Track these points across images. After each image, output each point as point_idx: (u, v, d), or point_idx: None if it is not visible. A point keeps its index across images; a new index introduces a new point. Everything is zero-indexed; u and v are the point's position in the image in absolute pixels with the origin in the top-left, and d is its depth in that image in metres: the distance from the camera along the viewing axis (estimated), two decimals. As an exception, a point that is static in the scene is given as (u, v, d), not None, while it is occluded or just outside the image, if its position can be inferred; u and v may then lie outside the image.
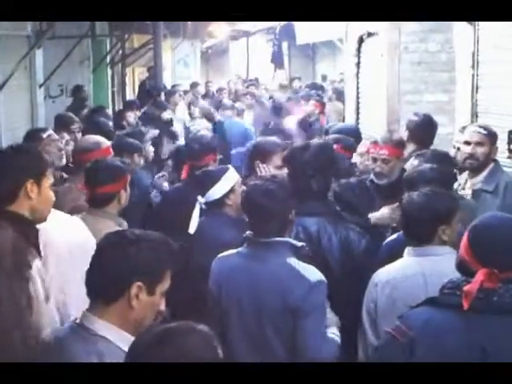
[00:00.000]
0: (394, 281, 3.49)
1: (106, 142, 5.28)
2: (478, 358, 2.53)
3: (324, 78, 20.21)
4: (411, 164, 5.51)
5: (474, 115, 6.67)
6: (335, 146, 5.62)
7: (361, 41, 8.94)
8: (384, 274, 3.56)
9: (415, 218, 3.56)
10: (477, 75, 6.57)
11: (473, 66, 6.59)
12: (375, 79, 8.32)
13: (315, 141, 4.40)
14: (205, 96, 16.02)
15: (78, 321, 2.64)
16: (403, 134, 5.86)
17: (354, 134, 6.66)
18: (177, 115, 11.69)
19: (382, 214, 4.68)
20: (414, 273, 3.49)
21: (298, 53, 24.58)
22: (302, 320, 3.34)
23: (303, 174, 3.98)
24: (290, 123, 8.32)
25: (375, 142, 5.22)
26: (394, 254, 3.90)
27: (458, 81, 7.11)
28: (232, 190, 4.48)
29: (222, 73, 24.36)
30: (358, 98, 9.28)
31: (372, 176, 5.16)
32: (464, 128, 5.61)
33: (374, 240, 4.16)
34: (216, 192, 4.49)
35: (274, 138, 5.53)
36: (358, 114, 9.27)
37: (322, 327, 3.40)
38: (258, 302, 3.41)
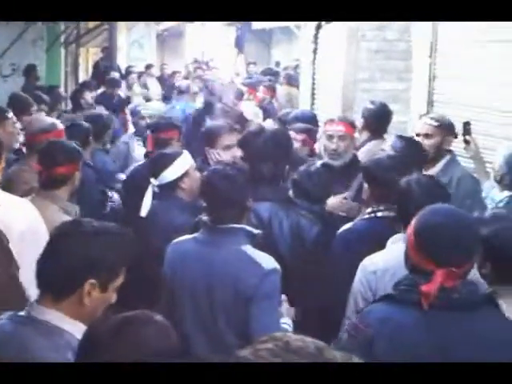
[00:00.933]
0: (392, 269, 3.35)
1: (60, 124, 5.21)
2: (439, 355, 2.51)
3: (278, 64, 20.14)
4: (367, 150, 5.61)
5: (430, 104, 6.69)
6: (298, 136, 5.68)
7: (318, 27, 8.91)
8: (381, 261, 3.44)
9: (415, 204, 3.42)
10: (434, 64, 6.58)
11: (430, 56, 6.60)
12: (332, 66, 8.30)
13: (270, 126, 4.36)
14: (159, 78, 15.90)
15: (23, 313, 2.51)
16: (358, 121, 5.86)
17: (310, 120, 6.66)
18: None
19: (331, 204, 4.69)
20: None
21: (253, 38, 24.44)
22: (254, 308, 3.28)
23: (256, 158, 3.94)
24: (245, 107, 8.26)
25: (331, 120, 5.25)
26: (352, 244, 3.92)
27: (414, 69, 7.11)
28: (186, 174, 4.43)
29: (177, 56, 24.17)
30: (313, 84, 9.25)
31: (326, 159, 5.14)
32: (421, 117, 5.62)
33: (329, 227, 4.15)
34: (170, 174, 4.42)
35: (219, 121, 5.57)
36: (313, 100, 9.24)
37: (274, 316, 3.34)
38: (211, 289, 3.36)
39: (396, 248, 3.47)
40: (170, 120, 6.11)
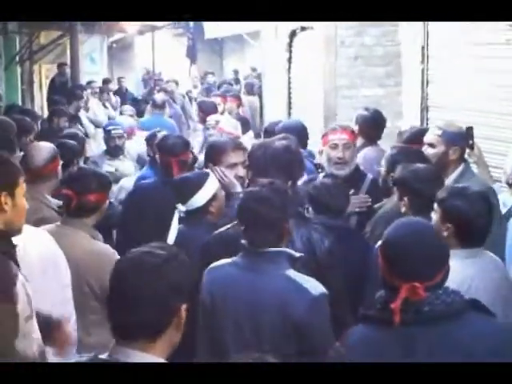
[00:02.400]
0: (462, 288, 3.15)
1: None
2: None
3: (236, 72, 20.01)
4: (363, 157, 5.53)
5: (424, 110, 6.64)
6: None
7: (293, 35, 8.82)
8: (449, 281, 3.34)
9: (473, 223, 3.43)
10: (427, 69, 6.52)
11: (422, 61, 6.54)
12: (310, 74, 8.21)
13: (275, 141, 4.21)
14: (116, 92, 15.62)
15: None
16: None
17: (301, 130, 6.54)
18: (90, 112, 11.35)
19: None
20: (476, 277, 3.36)
21: (205, 47, 24.31)
22: (307, 336, 3.15)
23: (262, 173, 3.78)
24: (224, 120, 8.09)
25: (334, 129, 5.14)
26: None
27: (404, 75, 7.06)
28: (214, 197, 4.29)
29: (126, 68, 23.89)
30: (289, 93, 9.15)
31: (331, 169, 5.03)
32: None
33: (341, 240, 4.04)
34: (199, 200, 4.27)
35: (223, 138, 5.40)
36: (289, 109, 9.14)
37: (328, 343, 3.10)
38: (256, 315, 3.21)
39: (452, 265, 3.37)
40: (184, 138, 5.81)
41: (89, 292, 3.81)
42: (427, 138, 4.91)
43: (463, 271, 3.35)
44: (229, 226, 3.77)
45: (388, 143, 7.17)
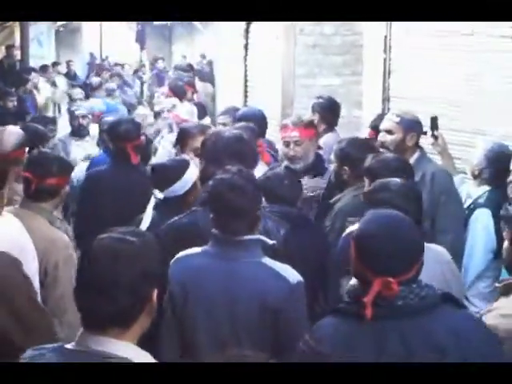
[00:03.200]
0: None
1: None
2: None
3: (184, 57, 19.81)
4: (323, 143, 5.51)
5: (386, 100, 6.62)
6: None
7: (249, 22, 8.72)
8: None
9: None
10: (389, 59, 6.49)
11: (385, 50, 6.51)
12: (268, 62, 8.13)
13: (228, 131, 4.14)
14: (66, 75, 15.36)
15: (77, 347, 2.22)
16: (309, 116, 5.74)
17: (260, 118, 6.47)
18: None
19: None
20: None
21: (153, 33, 24.05)
22: (283, 323, 3.11)
23: (215, 162, 3.72)
24: (180, 107, 7.93)
25: (285, 126, 5.10)
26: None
27: (365, 64, 7.02)
28: (194, 186, 4.19)
29: (73, 51, 23.50)
30: (246, 80, 9.06)
31: (286, 162, 5.00)
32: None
33: (298, 228, 4.02)
34: (179, 188, 4.17)
35: (192, 123, 5.31)
36: (246, 97, 9.06)
37: (303, 329, 3.14)
38: (233, 304, 3.15)
39: None
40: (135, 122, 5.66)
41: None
42: (385, 125, 4.93)
43: None
44: (182, 215, 3.70)
45: (346, 132, 7.24)
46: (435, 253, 3.55)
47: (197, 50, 20.41)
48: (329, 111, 6.10)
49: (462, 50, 5.56)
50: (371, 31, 6.74)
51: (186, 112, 7.60)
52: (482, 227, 4.71)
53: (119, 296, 2.16)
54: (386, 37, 6.47)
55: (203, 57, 18.79)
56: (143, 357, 2.22)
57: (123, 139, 5.24)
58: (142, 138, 5.46)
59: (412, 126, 4.95)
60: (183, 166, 4.25)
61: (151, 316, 2.28)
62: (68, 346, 2.23)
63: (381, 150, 4.86)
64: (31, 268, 3.34)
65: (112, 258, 2.19)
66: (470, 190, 4.99)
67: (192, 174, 4.21)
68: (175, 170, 4.22)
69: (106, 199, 5.14)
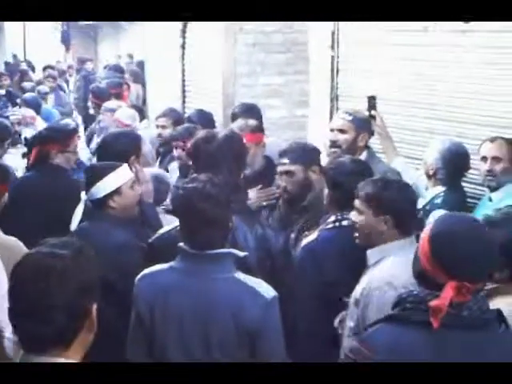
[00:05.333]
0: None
1: None
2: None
3: (131, 56, 19.32)
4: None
5: (334, 99, 6.49)
6: None
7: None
8: (405, 273, 3.09)
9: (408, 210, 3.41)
10: (337, 57, 6.37)
11: (332, 47, 6.38)
12: (207, 61, 7.94)
13: (220, 131, 3.98)
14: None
15: None
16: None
17: (209, 121, 6.34)
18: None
19: (252, 197, 4.45)
20: None
21: (78, 33, 23.55)
22: (261, 341, 2.95)
23: (208, 167, 3.52)
24: (120, 112, 7.66)
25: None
26: (319, 257, 3.69)
27: (311, 62, 6.88)
28: (118, 191, 3.90)
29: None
30: (183, 81, 8.84)
31: None
32: None
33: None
34: (96, 191, 3.90)
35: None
36: (184, 97, 8.83)
37: (281, 346, 3.02)
38: (204, 325, 2.96)
39: (400, 255, 3.25)
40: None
41: None
42: (337, 124, 4.84)
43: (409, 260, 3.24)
44: (170, 227, 3.49)
45: (289, 133, 7.12)
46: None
47: (123, 50, 20.07)
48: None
49: (414, 46, 5.45)
50: (317, 28, 6.59)
51: (127, 116, 7.32)
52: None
53: (55, 316, 2.01)
54: (333, 33, 6.34)
55: (131, 57, 18.47)
56: None
57: (46, 143, 5.14)
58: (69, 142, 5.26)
59: (364, 125, 4.90)
60: (108, 168, 3.97)
61: (92, 331, 2.14)
62: None
63: (332, 149, 4.75)
64: (3, 286, 3.07)
65: (43, 277, 2.02)
66: (422, 190, 4.92)
67: (117, 178, 3.93)
68: (99, 171, 3.97)
69: (31, 206, 4.94)
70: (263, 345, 2.96)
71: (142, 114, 8.74)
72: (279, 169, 4.54)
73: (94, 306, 2.13)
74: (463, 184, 4.97)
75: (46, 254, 2.08)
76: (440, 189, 4.79)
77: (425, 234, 2.48)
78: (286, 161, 4.50)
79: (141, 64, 14.12)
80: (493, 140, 4.61)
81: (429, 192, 4.85)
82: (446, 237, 2.41)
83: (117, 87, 9.04)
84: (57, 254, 2.07)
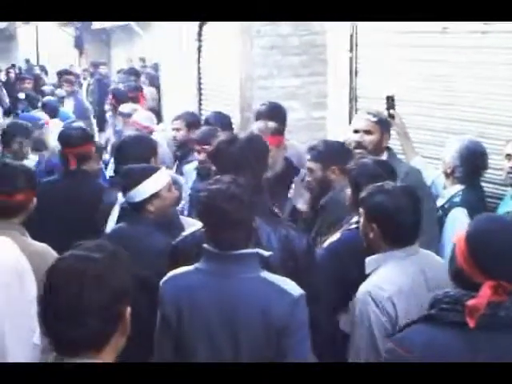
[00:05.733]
0: (405, 288, 3.18)
1: None
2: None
3: (130, 61, 19.48)
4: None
5: (354, 100, 6.52)
6: None
7: (202, 24, 8.54)
8: (389, 284, 3.19)
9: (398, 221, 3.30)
10: (355, 58, 6.40)
11: (351, 49, 6.41)
12: (225, 64, 7.97)
13: (242, 133, 4.00)
14: (6, 84, 14.94)
15: None
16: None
17: (226, 123, 6.38)
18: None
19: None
20: (416, 273, 3.26)
21: (91, 38, 23.62)
22: (289, 340, 2.94)
23: (230, 170, 3.52)
24: (138, 114, 7.71)
25: None
26: (342, 256, 3.74)
27: (329, 64, 6.91)
28: (157, 195, 3.97)
29: (8, 58, 22.96)
30: (199, 84, 8.88)
31: None
32: None
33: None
34: (135, 195, 3.95)
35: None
36: (200, 100, 8.88)
37: (309, 346, 3.03)
38: (233, 325, 2.97)
39: (392, 267, 3.29)
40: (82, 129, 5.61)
41: None
42: (362, 125, 4.85)
43: (404, 272, 3.26)
44: (194, 229, 3.51)
45: (305, 135, 7.14)
46: (428, 254, 3.48)
47: (136, 54, 20.14)
48: (272, 118, 5.67)
49: (431, 48, 5.47)
50: (335, 30, 6.63)
51: (146, 118, 7.37)
52: (459, 227, 4.62)
53: (88, 320, 2.02)
54: (351, 35, 6.37)
55: (143, 60, 18.56)
56: None
57: (65, 145, 5.19)
58: (89, 146, 5.31)
59: (387, 126, 4.95)
60: (147, 172, 4.03)
61: (125, 334, 2.16)
62: None
63: (357, 150, 4.77)
64: (31, 291, 3.08)
65: (77, 280, 2.03)
66: (440, 189, 4.94)
67: (156, 181, 3.99)
68: (138, 174, 4.01)
69: (57, 210, 4.96)
70: (290, 343, 2.96)
71: (159, 117, 8.78)
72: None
73: (128, 310, 2.14)
74: (483, 184, 4.98)
75: (80, 257, 2.10)
76: (458, 187, 4.80)
77: (461, 233, 2.48)
78: (308, 157, 4.59)
79: (155, 67, 14.22)
80: None
81: (447, 191, 4.86)
82: (483, 236, 2.42)
83: (134, 91, 9.07)
84: (91, 257, 2.09)
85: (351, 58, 6.42)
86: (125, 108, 7.79)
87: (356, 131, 4.86)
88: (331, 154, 4.55)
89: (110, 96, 9.04)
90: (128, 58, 20.26)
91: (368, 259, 3.36)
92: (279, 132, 5.31)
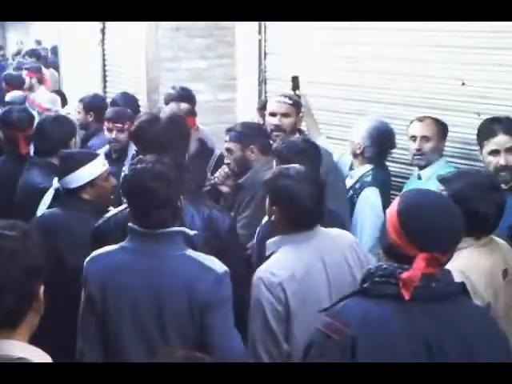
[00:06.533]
0: (298, 273, 3.19)
1: None
2: (422, 349, 2.36)
3: (39, 42, 18.85)
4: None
5: (263, 82, 6.55)
6: None
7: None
8: (281, 269, 3.20)
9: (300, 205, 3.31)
10: (265, 40, 6.43)
11: (259, 32, 6.44)
12: (130, 46, 7.87)
13: (164, 113, 3.99)
14: None
15: None
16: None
17: (133, 104, 6.32)
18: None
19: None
20: (313, 258, 3.28)
21: (-16, 19, 22.80)
22: (212, 315, 3.00)
23: (153, 149, 3.52)
24: (41, 95, 7.53)
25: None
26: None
27: (238, 46, 6.93)
28: (92, 183, 3.95)
29: None
30: (104, 65, 8.74)
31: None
32: None
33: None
34: (73, 180, 3.93)
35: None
36: (105, 82, 8.74)
37: (232, 322, 3.09)
38: (158, 302, 3.00)
39: (288, 251, 3.31)
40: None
41: None
42: (280, 108, 4.90)
43: (299, 257, 3.28)
44: (116, 210, 3.50)
45: (211, 117, 7.14)
46: (331, 236, 3.46)
47: (32, 36, 19.58)
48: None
49: (341, 29, 5.55)
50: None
51: (48, 100, 7.23)
52: (371, 206, 4.75)
53: (4, 296, 2.04)
54: (260, 18, 6.39)
55: (39, 43, 18.05)
56: (37, 354, 2.11)
57: (14, 128, 5.09)
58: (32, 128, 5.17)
59: (300, 107, 4.99)
60: (85, 159, 4.00)
61: (39, 313, 2.18)
62: None
63: (274, 133, 4.82)
64: None
65: None
66: (345, 168, 5.05)
67: (90, 170, 3.96)
68: (75, 160, 3.98)
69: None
70: (214, 318, 3.00)
71: (65, 99, 8.62)
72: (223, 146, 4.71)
73: (42, 288, 2.16)
74: (389, 164, 5.11)
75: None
76: (368, 167, 4.90)
77: (392, 208, 2.51)
78: (226, 138, 4.65)
79: (54, 50, 13.88)
80: (422, 119, 4.75)
81: (356, 171, 4.96)
82: (414, 210, 2.45)
83: (38, 72, 8.88)
84: (4, 234, 2.09)
85: (260, 40, 6.45)
86: (12, 97, 7.64)
87: (273, 114, 4.92)
88: (249, 134, 4.63)
89: (3, 82, 8.85)
90: (18, 40, 19.66)
91: (268, 242, 3.37)
92: (192, 113, 5.32)
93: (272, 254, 3.32)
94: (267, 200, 3.40)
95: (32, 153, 5.01)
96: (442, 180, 3.32)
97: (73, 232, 3.73)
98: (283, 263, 3.24)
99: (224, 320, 3.03)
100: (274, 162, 4.07)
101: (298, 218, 3.29)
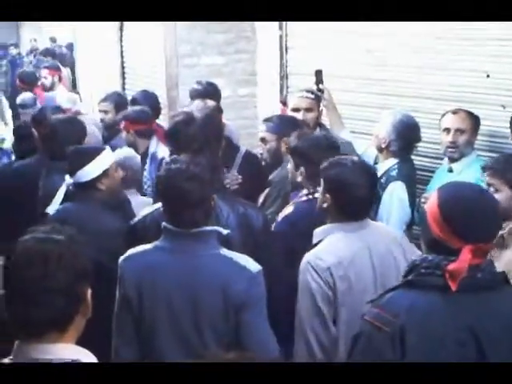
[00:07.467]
0: (345, 262, 3.25)
1: None
2: (468, 339, 2.38)
3: (53, 39, 18.85)
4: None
5: (284, 77, 6.54)
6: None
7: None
8: (329, 255, 3.26)
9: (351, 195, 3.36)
10: (286, 35, 6.42)
11: (280, 27, 6.43)
12: (149, 43, 7.88)
13: (198, 112, 3.96)
14: None
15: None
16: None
17: (154, 101, 6.31)
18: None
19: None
20: (361, 248, 3.31)
21: (-2, 17, 22.81)
22: (246, 314, 3.01)
23: (189, 149, 3.51)
24: (60, 95, 7.54)
25: None
26: (297, 224, 3.79)
27: (259, 42, 6.91)
28: (105, 173, 4.05)
29: None
30: (122, 62, 8.75)
31: None
32: None
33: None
34: (87, 173, 4.01)
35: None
36: (123, 79, 8.76)
37: (266, 320, 3.09)
38: (193, 301, 3.01)
39: (337, 239, 3.36)
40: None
41: None
42: (303, 104, 4.91)
43: (347, 245, 3.34)
44: (152, 208, 3.50)
45: (231, 113, 7.13)
46: (378, 230, 3.54)
47: (46, 34, 19.55)
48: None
49: (363, 23, 5.52)
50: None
51: (67, 100, 7.23)
52: (397, 200, 4.74)
53: (53, 300, 2.06)
54: (280, 13, 6.37)
55: (53, 40, 18.06)
56: (86, 356, 2.13)
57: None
58: None
59: (320, 102, 4.99)
60: (95, 151, 4.11)
61: (86, 316, 2.19)
62: (5, 361, 2.12)
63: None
64: None
65: (41, 261, 2.06)
66: (370, 162, 5.02)
67: (104, 160, 4.08)
68: (86, 154, 4.08)
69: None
70: (248, 317, 3.02)
71: (80, 98, 8.64)
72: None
73: (89, 291, 2.17)
74: (414, 157, 5.08)
75: (43, 239, 2.13)
76: (393, 161, 4.87)
77: (432, 203, 2.51)
78: (263, 128, 4.77)
79: (69, 47, 13.91)
80: (456, 112, 4.69)
81: (381, 165, 4.94)
82: (456, 203, 2.46)
83: (59, 70, 8.91)
84: (52, 238, 2.12)
85: (281, 36, 6.43)
86: (22, 99, 7.66)
87: (296, 109, 4.93)
88: (285, 126, 4.64)
89: (17, 80, 8.86)
90: (32, 38, 19.67)
91: (316, 230, 3.42)
92: (219, 110, 5.29)
93: (319, 242, 3.37)
94: (321, 187, 3.44)
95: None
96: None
97: (87, 227, 3.72)
98: (331, 250, 3.30)
99: (258, 318, 3.04)
100: (291, 161, 4.06)
101: (350, 208, 3.36)
